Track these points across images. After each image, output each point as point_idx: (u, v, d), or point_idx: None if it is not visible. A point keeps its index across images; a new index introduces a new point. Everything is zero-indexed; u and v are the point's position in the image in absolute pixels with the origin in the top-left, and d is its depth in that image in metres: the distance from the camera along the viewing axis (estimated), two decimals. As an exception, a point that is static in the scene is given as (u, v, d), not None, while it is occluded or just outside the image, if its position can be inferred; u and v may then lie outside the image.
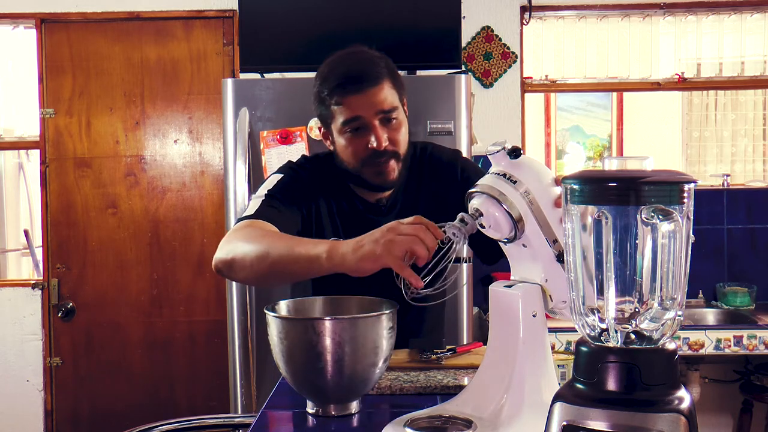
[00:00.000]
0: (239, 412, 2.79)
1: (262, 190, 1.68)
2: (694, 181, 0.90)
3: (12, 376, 3.67)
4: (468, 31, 3.64)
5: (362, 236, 1.31)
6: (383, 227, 1.29)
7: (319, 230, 1.72)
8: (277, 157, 2.78)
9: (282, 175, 1.71)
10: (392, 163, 1.65)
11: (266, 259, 1.44)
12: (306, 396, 1.37)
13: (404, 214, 1.63)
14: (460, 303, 2.74)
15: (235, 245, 1.50)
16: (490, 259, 1.70)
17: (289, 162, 1.81)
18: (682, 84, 3.81)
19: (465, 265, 2.65)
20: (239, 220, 1.63)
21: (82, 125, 3.63)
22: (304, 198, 1.70)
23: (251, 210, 1.62)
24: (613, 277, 0.91)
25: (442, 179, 1.76)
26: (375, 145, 1.61)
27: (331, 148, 1.72)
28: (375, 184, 1.68)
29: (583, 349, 0.93)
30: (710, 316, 3.58)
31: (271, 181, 1.70)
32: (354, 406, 1.37)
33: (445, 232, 1.25)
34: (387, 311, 1.34)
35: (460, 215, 1.24)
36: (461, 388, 1.39)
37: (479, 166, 1.87)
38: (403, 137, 1.66)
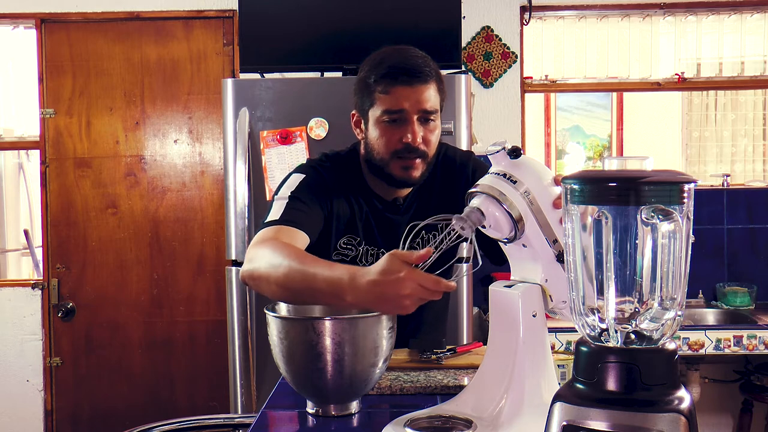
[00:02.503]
0: (239, 412, 2.78)
1: (285, 191, 1.67)
2: (694, 181, 0.90)
3: (12, 376, 3.67)
4: (468, 31, 3.64)
5: (375, 281, 1.22)
6: (388, 278, 1.21)
7: (338, 230, 1.73)
8: (277, 157, 2.78)
9: (304, 175, 1.71)
10: (419, 161, 1.66)
11: (287, 289, 1.39)
12: (306, 396, 1.37)
13: (419, 214, 1.71)
14: (460, 303, 2.74)
15: (260, 262, 1.44)
16: (499, 260, 1.70)
17: (309, 160, 1.81)
18: (682, 84, 3.81)
19: (465, 265, 2.65)
20: (264, 224, 1.61)
21: (82, 125, 3.63)
22: (326, 198, 1.70)
23: (276, 214, 1.61)
24: (613, 277, 0.91)
25: (454, 180, 1.78)
26: (410, 139, 1.62)
27: (361, 136, 1.73)
28: (399, 179, 1.68)
29: (583, 349, 0.93)
30: (710, 316, 3.57)
31: (293, 181, 1.70)
32: (354, 406, 1.37)
33: (445, 228, 1.25)
34: None
35: (465, 209, 1.24)
36: (461, 388, 1.39)
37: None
38: (435, 140, 1.68)
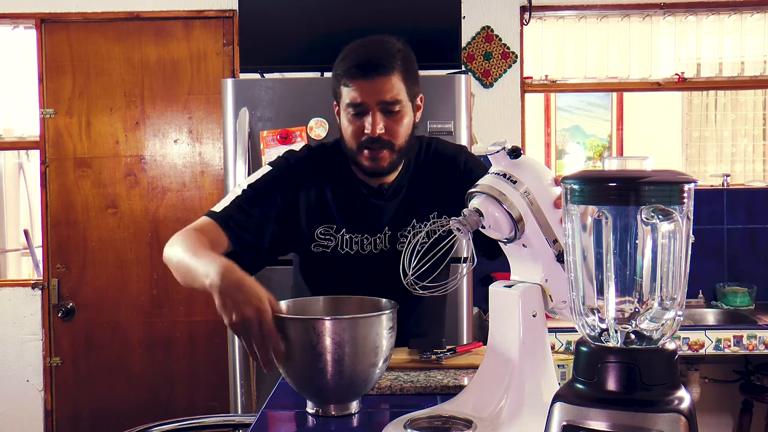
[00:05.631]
0: (239, 412, 2.79)
1: (245, 182, 1.75)
2: (694, 181, 0.90)
3: (12, 376, 3.67)
4: (468, 31, 3.64)
5: (236, 288, 1.37)
6: (248, 300, 1.33)
7: (311, 220, 1.75)
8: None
9: (271, 168, 1.77)
10: (385, 152, 1.68)
11: (179, 272, 1.57)
12: (306, 396, 1.37)
13: (408, 202, 1.77)
14: (460, 303, 2.74)
15: (171, 249, 1.61)
16: (493, 254, 1.71)
17: (288, 151, 1.85)
18: (682, 84, 3.80)
19: (464, 265, 2.64)
20: (209, 212, 1.70)
21: (82, 125, 3.63)
22: (289, 190, 1.73)
23: (221, 206, 1.70)
24: (613, 277, 0.91)
25: (444, 171, 1.80)
26: (369, 130, 1.65)
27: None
28: (368, 169, 1.71)
29: (583, 349, 0.93)
30: (710, 316, 3.57)
31: (259, 173, 1.76)
32: (354, 406, 1.37)
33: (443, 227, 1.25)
34: (387, 311, 1.34)
35: (463, 211, 1.24)
36: (461, 388, 1.39)
37: (482, 160, 1.88)
38: (402, 130, 1.69)
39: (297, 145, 2.76)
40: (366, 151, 1.68)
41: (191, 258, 1.48)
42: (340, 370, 1.29)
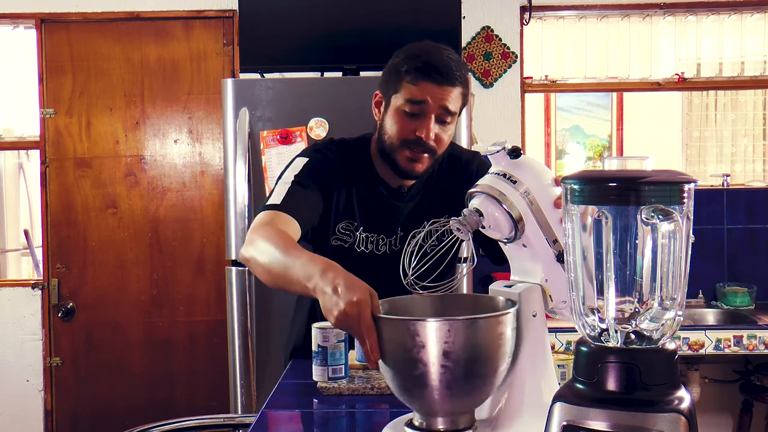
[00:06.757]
0: (239, 412, 2.79)
1: (289, 175, 1.72)
2: (694, 181, 0.90)
3: (12, 376, 3.67)
4: (468, 31, 3.64)
5: (338, 286, 1.23)
6: (348, 281, 1.23)
7: (337, 215, 1.77)
8: (276, 157, 2.78)
9: (308, 159, 1.77)
10: (426, 156, 1.71)
11: (270, 274, 1.47)
12: (410, 406, 1.23)
13: (422, 205, 1.82)
14: (460, 303, 2.73)
15: (254, 246, 1.53)
16: (499, 260, 1.72)
17: (315, 144, 1.87)
18: (682, 84, 3.80)
19: (464, 265, 2.65)
20: (264, 206, 1.67)
21: (82, 125, 3.63)
22: (327, 182, 1.75)
23: (277, 198, 1.67)
24: (613, 277, 0.91)
25: (458, 176, 1.84)
26: (423, 134, 1.67)
27: (378, 117, 1.78)
28: (402, 168, 1.73)
29: (583, 349, 0.93)
30: (710, 316, 3.57)
31: (297, 165, 1.75)
32: (464, 420, 1.20)
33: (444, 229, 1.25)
34: (506, 312, 1.17)
35: (463, 211, 1.24)
36: (461, 388, 1.39)
37: None
38: (446, 141, 1.73)
39: (296, 146, 2.77)
40: (408, 151, 1.70)
41: (284, 258, 1.41)
42: (442, 379, 1.13)
